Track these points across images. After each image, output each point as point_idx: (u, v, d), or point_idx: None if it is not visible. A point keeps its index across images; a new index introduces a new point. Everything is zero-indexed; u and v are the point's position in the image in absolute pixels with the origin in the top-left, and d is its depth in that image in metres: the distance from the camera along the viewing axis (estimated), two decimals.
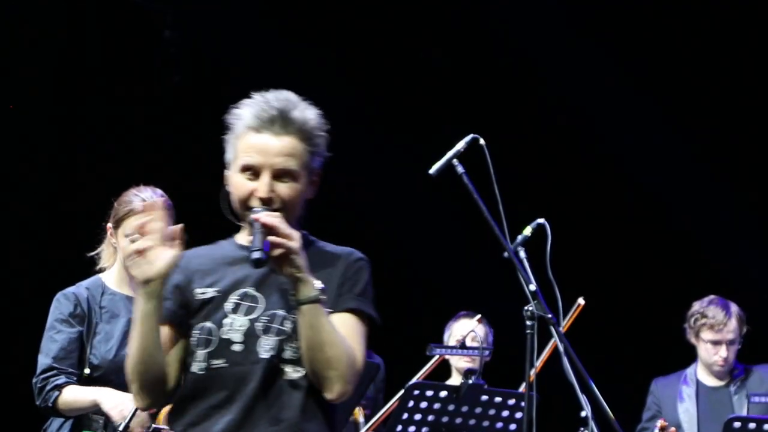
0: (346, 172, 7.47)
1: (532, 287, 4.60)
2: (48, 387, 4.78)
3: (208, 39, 7.55)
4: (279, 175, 3.20)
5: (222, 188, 3.35)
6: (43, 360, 4.83)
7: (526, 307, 4.57)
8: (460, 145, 4.67)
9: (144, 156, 7.08)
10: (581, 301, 5.74)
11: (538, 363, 5.51)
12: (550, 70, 7.81)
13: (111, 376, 4.78)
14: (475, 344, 6.12)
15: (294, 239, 3.08)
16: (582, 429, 5.07)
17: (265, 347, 3.17)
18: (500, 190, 4.59)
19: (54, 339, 4.84)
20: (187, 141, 7.43)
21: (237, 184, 3.24)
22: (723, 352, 6.42)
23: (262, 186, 3.19)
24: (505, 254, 4.65)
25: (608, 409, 4.64)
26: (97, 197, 5.17)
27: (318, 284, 3.12)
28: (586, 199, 8.02)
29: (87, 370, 4.82)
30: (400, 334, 7.38)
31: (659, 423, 6.17)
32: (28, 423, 5.35)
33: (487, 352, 6.21)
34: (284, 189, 3.19)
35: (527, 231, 4.94)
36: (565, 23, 7.79)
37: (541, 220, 4.97)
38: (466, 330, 6.42)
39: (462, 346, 6.09)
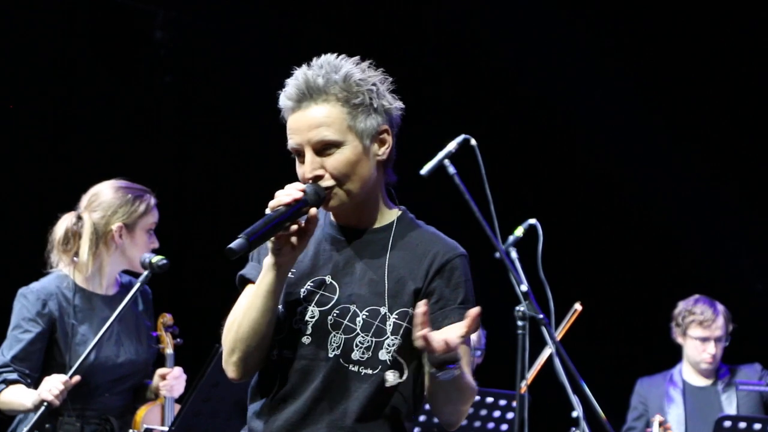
0: None
1: (524, 288, 4.61)
2: None
3: (199, 39, 7.54)
4: (321, 149, 2.92)
5: None
6: (1, 357, 4.63)
7: (517, 308, 4.57)
8: (452, 146, 4.68)
9: (137, 156, 7.07)
10: (578, 306, 5.74)
11: (533, 370, 5.53)
12: (545, 70, 7.82)
13: (91, 378, 4.62)
14: None
15: (446, 346, 2.79)
16: (573, 429, 5.08)
17: (333, 345, 2.93)
18: (492, 190, 4.59)
19: (19, 338, 4.63)
20: (180, 141, 7.43)
21: (297, 171, 2.98)
22: (711, 348, 6.44)
23: (306, 166, 2.92)
24: (497, 255, 4.66)
25: (599, 410, 4.65)
26: None
27: (458, 357, 2.84)
28: (578, 200, 8.02)
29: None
30: None
31: (657, 419, 6.18)
32: None
33: (478, 353, 6.21)
34: (331, 161, 2.92)
35: (519, 232, 4.94)
36: (557, 23, 7.79)
37: (532, 221, 4.98)
38: None
39: None
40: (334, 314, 2.95)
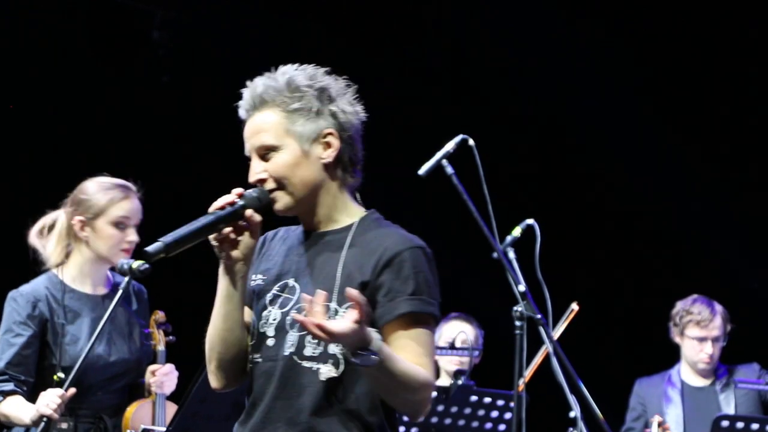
0: None
1: (521, 288, 4.61)
2: None
3: (197, 39, 7.55)
4: (263, 153, 3.07)
5: None
6: None
7: (515, 308, 4.57)
8: (450, 146, 4.67)
9: (135, 156, 7.08)
10: (575, 306, 5.74)
11: (530, 369, 5.53)
12: (544, 70, 7.82)
13: (83, 378, 4.55)
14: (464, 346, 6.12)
15: (332, 333, 2.81)
16: (571, 429, 5.08)
17: (288, 343, 3.02)
18: (489, 190, 4.58)
19: (11, 343, 4.61)
20: (178, 140, 7.43)
21: None
22: (708, 348, 6.44)
23: (250, 171, 3.09)
24: (495, 255, 4.66)
25: (597, 410, 4.65)
26: None
27: (376, 342, 2.86)
28: (576, 200, 8.03)
29: (61, 375, 4.59)
30: None
31: (656, 419, 6.18)
32: None
33: (476, 353, 6.21)
34: (270, 165, 3.06)
35: (516, 232, 4.94)
36: (556, 23, 7.79)
37: (530, 221, 4.98)
38: (456, 331, 6.42)
39: (452, 346, 6.09)
40: (292, 313, 3.02)
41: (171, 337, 4.94)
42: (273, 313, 3.06)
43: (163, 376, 4.79)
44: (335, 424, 2.97)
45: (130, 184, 4.81)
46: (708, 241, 7.82)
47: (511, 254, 4.83)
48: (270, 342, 3.05)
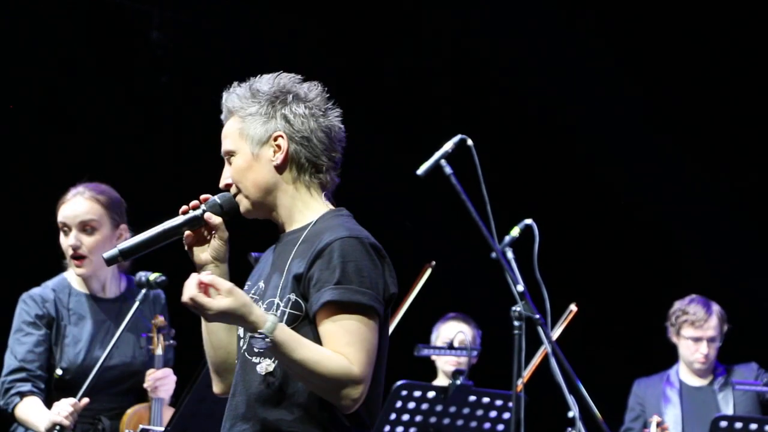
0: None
1: (520, 288, 4.61)
2: (12, 391, 4.67)
3: (196, 39, 7.54)
4: (228, 159, 3.18)
5: None
6: (11, 361, 4.71)
7: (513, 308, 4.58)
8: (448, 146, 4.68)
9: (134, 156, 7.07)
10: (573, 307, 5.75)
11: (528, 369, 5.54)
12: (543, 70, 7.82)
13: (80, 379, 4.65)
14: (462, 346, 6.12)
15: (202, 305, 2.89)
16: (569, 429, 5.09)
17: (244, 341, 3.09)
18: (488, 191, 4.59)
19: (22, 341, 4.72)
20: (177, 141, 7.42)
21: None
22: (704, 348, 6.44)
23: (221, 177, 3.19)
24: (493, 255, 4.66)
25: (596, 410, 4.66)
26: None
27: (269, 325, 2.89)
28: (574, 200, 8.03)
29: (59, 371, 4.70)
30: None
31: (654, 419, 6.18)
32: None
33: (474, 353, 6.22)
34: (231, 170, 3.16)
35: (515, 232, 4.95)
36: (555, 24, 7.79)
37: (528, 221, 4.98)
38: (454, 331, 6.42)
39: (450, 346, 6.10)
40: None
41: (173, 341, 4.95)
42: None
43: (155, 381, 4.80)
44: (285, 417, 3.00)
45: (79, 188, 4.83)
46: (707, 240, 7.82)
47: (510, 254, 4.83)
48: (241, 343, 3.12)
